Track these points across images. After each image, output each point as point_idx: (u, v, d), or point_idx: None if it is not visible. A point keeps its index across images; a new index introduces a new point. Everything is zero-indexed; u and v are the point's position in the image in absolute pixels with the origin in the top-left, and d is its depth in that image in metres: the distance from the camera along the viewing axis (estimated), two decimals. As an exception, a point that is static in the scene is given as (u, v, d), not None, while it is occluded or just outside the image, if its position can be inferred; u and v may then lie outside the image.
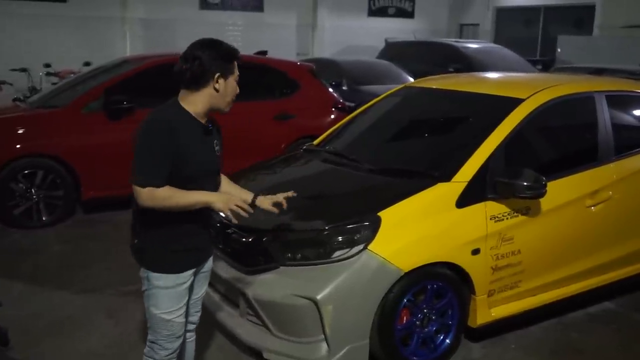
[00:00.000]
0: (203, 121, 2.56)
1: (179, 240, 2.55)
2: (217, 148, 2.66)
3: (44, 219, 5.89)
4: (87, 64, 10.62)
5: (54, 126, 5.90)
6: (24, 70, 10.95)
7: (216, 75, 2.47)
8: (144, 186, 2.37)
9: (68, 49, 12.64)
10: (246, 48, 8.69)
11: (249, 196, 2.76)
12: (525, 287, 3.74)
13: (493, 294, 3.60)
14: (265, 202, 2.80)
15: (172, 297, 2.57)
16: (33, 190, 5.81)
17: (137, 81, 6.28)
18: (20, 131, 5.82)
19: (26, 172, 5.76)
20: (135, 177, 2.39)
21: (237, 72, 2.57)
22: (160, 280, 2.54)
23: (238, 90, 2.60)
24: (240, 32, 15.07)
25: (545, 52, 17.69)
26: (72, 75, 9.41)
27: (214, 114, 2.60)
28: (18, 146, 5.74)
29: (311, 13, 16.61)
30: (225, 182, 2.86)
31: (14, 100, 6.61)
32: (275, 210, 2.82)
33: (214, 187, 2.68)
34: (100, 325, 3.96)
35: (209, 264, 2.81)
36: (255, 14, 15.62)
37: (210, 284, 3.80)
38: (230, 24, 15.11)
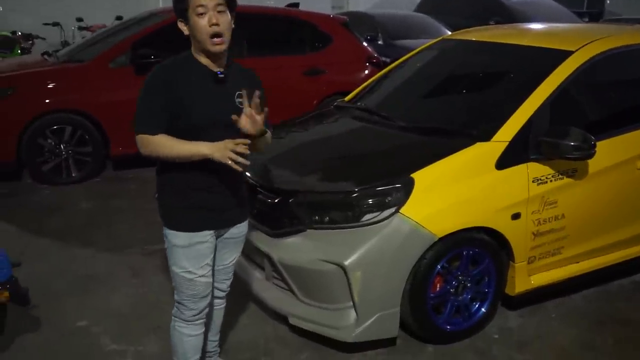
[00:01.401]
0: (216, 69, 2.37)
1: (189, 195, 2.42)
2: (239, 100, 2.35)
3: (73, 175, 5.85)
4: (119, 18, 10.47)
5: (80, 81, 5.80)
6: (56, 24, 10.89)
7: (178, 21, 2.34)
8: (137, 133, 2.31)
9: (101, 3, 12.51)
10: (279, 1, 8.42)
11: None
12: (568, 253, 3.51)
13: (533, 260, 3.39)
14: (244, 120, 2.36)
15: (190, 257, 2.46)
16: (62, 147, 5.75)
17: (165, 35, 6.07)
18: (47, 86, 5.72)
19: (54, 127, 5.70)
20: (134, 125, 2.34)
21: (196, 3, 2.24)
22: (175, 237, 2.45)
23: (214, 21, 2.24)
24: (273, -15, 14.69)
25: (592, 3, 16.83)
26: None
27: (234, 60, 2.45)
28: (45, 101, 5.65)
29: (346, -36, 16.09)
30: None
31: (43, 54, 6.52)
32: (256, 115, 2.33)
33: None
34: (124, 284, 3.89)
35: (239, 230, 2.62)
36: (288, -34, 15.18)
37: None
38: (263, -24, 14.72)
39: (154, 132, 2.29)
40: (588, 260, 3.63)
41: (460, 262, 3.19)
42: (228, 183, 2.46)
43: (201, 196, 2.42)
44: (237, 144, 2.21)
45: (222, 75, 2.37)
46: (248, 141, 2.26)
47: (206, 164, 2.30)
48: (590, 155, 3.22)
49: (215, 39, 2.27)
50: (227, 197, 2.49)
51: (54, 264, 4.20)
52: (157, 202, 2.51)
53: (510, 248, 3.26)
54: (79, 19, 11.23)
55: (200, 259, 2.48)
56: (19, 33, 9.73)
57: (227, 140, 2.24)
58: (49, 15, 11.40)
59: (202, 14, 2.25)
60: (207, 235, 2.47)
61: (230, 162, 2.22)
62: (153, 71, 2.34)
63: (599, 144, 3.24)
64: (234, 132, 2.34)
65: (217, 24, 2.25)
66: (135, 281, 3.95)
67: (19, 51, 8.94)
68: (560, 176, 3.32)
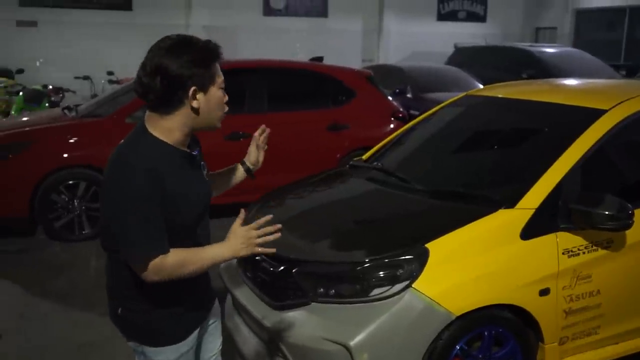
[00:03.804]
0: (185, 147, 2.00)
1: (181, 301, 2.04)
2: (205, 172, 2.13)
3: (84, 232, 5.70)
4: (148, 71, 10.56)
5: (96, 136, 5.71)
6: (86, 78, 11.06)
7: (191, 90, 1.88)
8: (149, 259, 1.84)
9: (132, 57, 12.60)
10: (309, 55, 8.38)
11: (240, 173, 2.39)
12: (606, 333, 3.15)
13: (565, 341, 3.03)
14: (253, 155, 2.39)
15: None
16: (75, 202, 5.63)
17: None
18: (62, 141, 5.66)
19: (69, 183, 5.60)
20: (132, 252, 1.86)
21: (220, 77, 1.96)
22: (160, 354, 2.04)
23: (227, 98, 2.01)
24: (303, 39, 14.80)
25: (630, 56, 16.50)
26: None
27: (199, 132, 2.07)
28: (60, 156, 5.58)
29: (377, 18, 16.15)
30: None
31: (63, 109, 6.50)
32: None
33: (206, 227, 2.13)
34: (121, 354, 3.64)
35: (216, 310, 2.32)
36: (319, 20, 15.33)
37: (238, 314, 3.45)
38: (293, 30, 14.88)
39: (166, 250, 1.87)
40: (628, 341, 3.25)
41: (482, 344, 2.87)
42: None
43: (196, 296, 2.11)
44: (257, 228, 1.97)
45: (196, 154, 2.05)
46: (278, 226, 2.00)
47: None
48: (628, 226, 2.89)
49: (223, 116, 2.03)
50: (207, 282, 2.19)
51: (54, 329, 4.01)
52: (122, 317, 2.05)
53: (539, 327, 2.93)
54: (110, 72, 11.40)
55: None
56: (50, 87, 9.87)
57: (244, 231, 1.96)
58: (82, 69, 11.62)
59: (223, 89, 1.99)
60: (195, 335, 2.14)
61: (260, 250, 1.98)
62: (132, 166, 1.84)
63: (637, 211, 2.92)
64: (206, 218, 2.12)
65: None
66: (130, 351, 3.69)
67: (47, 104, 9.03)
68: (594, 248, 2.99)
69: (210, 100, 1.94)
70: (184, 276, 1.90)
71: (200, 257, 1.92)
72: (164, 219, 1.87)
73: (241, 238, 1.96)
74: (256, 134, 2.37)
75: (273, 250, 2.03)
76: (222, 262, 2.02)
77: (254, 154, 2.39)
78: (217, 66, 1.96)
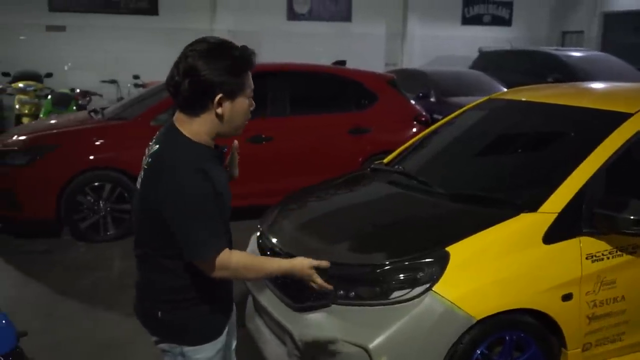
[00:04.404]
0: (213, 146, 2.03)
1: (214, 299, 2.08)
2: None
3: (109, 232, 5.78)
4: (173, 75, 10.65)
5: (121, 138, 5.79)
6: (113, 81, 11.21)
7: (218, 97, 1.90)
8: (218, 255, 1.90)
9: (158, 61, 12.73)
10: (332, 59, 8.40)
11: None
12: (630, 340, 3.10)
13: (589, 348, 3.00)
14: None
15: None
16: (100, 204, 5.71)
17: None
18: (88, 143, 5.75)
19: (94, 184, 5.68)
20: (202, 250, 1.89)
21: (251, 87, 1.97)
22: (201, 352, 2.07)
23: (254, 106, 2.02)
24: (327, 43, 14.79)
25: (659, 60, 16.18)
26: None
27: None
28: (86, 159, 5.66)
29: (401, 22, 16.07)
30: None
31: (90, 112, 6.60)
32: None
33: None
34: (142, 353, 3.68)
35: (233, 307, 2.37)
36: (343, 24, 15.31)
37: (259, 316, 3.47)
38: (316, 35, 14.90)
39: (225, 247, 1.93)
40: (655, 348, 3.20)
41: (503, 348, 2.84)
42: None
43: (223, 292, 2.14)
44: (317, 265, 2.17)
45: (225, 151, 2.11)
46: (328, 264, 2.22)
47: None
48: (653, 231, 2.85)
49: (244, 125, 2.05)
50: (231, 281, 2.23)
51: (78, 328, 4.07)
52: (162, 320, 2.06)
53: (562, 333, 2.90)
54: (135, 76, 11.54)
55: None
56: (77, 90, 10.03)
57: (307, 260, 2.17)
58: (109, 73, 11.77)
59: (252, 97, 2.01)
60: (226, 332, 2.17)
61: (316, 279, 2.17)
62: (185, 166, 1.87)
63: (663, 217, 2.87)
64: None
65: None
66: (156, 351, 3.73)
67: (74, 107, 9.19)
68: (618, 253, 2.96)
69: (236, 109, 1.96)
70: (244, 279, 2.09)
71: (263, 263, 2.16)
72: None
73: (302, 263, 2.15)
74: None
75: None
76: (281, 274, 2.22)
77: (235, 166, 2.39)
78: (249, 75, 1.97)
